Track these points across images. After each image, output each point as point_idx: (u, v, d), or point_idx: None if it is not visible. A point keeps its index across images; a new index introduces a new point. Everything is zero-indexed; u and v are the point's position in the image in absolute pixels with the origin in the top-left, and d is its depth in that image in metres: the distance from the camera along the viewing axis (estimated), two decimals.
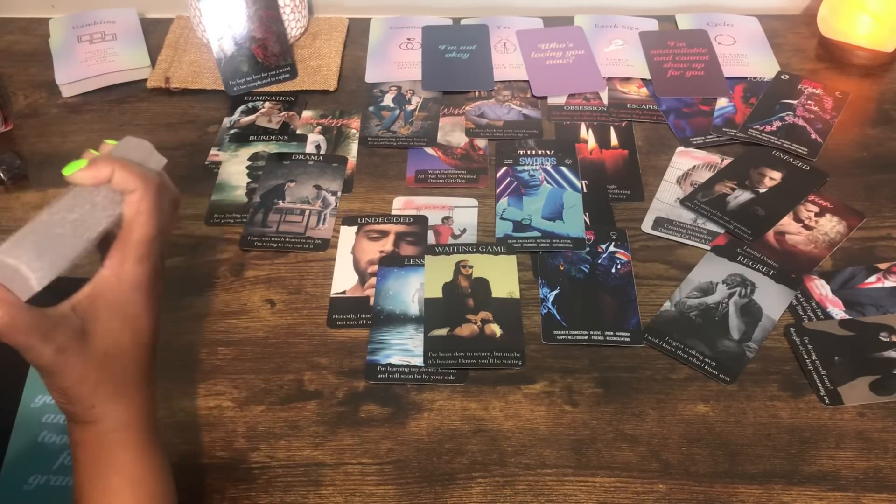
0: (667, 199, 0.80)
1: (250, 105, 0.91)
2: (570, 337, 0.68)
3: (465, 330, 0.69)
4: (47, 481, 0.59)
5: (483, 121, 0.89)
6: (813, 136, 0.86)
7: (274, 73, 0.93)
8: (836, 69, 0.95)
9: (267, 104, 0.91)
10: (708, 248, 0.75)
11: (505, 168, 0.83)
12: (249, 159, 0.85)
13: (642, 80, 0.93)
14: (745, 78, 0.93)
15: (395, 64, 0.96)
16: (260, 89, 0.93)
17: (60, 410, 0.48)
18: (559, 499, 0.59)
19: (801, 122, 0.87)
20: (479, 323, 0.69)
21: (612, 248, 0.75)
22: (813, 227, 0.76)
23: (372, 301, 0.71)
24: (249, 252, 0.76)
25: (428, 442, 0.62)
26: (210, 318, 0.71)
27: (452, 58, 0.96)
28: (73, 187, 0.49)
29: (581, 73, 0.94)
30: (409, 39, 1.00)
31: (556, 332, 0.68)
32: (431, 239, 0.76)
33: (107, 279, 0.48)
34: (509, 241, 0.75)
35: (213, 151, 0.86)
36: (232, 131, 0.88)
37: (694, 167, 0.83)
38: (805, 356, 0.66)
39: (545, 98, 0.91)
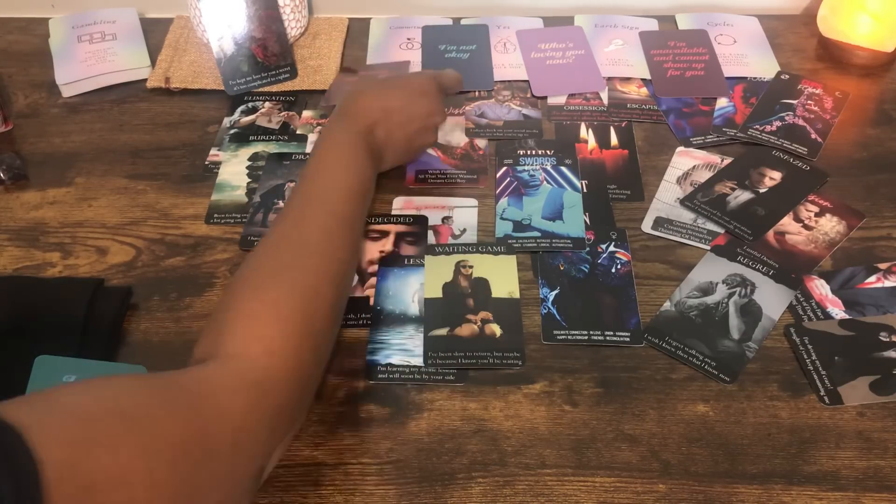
0: (667, 199, 0.80)
1: (250, 105, 0.91)
2: (570, 337, 0.68)
3: (465, 330, 0.69)
4: None
5: (483, 121, 0.89)
6: (813, 136, 0.86)
7: (274, 72, 0.93)
8: (836, 69, 0.95)
9: (267, 104, 0.91)
10: (708, 248, 0.75)
11: (505, 168, 0.83)
12: (249, 159, 0.85)
13: (642, 80, 0.93)
14: (745, 78, 0.93)
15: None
16: (260, 89, 0.93)
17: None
18: (559, 499, 0.59)
19: (801, 122, 0.87)
20: (479, 323, 0.69)
21: (612, 248, 0.75)
22: (813, 227, 0.76)
23: (372, 301, 0.71)
24: (249, 252, 0.76)
25: (428, 442, 0.62)
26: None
27: (452, 58, 0.96)
28: None
29: (581, 73, 0.94)
30: (409, 39, 1.00)
31: (556, 332, 0.68)
32: (431, 239, 0.76)
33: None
34: (509, 241, 0.75)
35: (213, 151, 0.86)
36: (232, 131, 0.88)
37: (694, 167, 0.83)
38: (805, 356, 0.66)
39: (545, 98, 0.91)
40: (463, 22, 1.03)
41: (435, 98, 0.76)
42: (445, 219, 0.78)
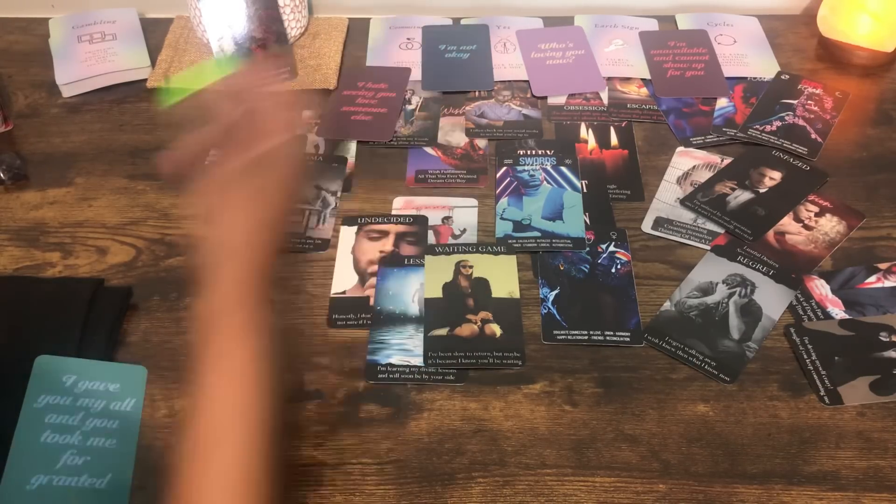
0: (667, 199, 0.80)
1: None
2: (570, 337, 0.68)
3: (465, 330, 0.69)
4: (50, 481, 0.59)
5: (483, 121, 0.89)
6: (813, 136, 0.86)
7: (274, 73, 0.93)
8: (836, 69, 0.95)
9: None
10: (708, 248, 0.75)
11: (505, 168, 0.83)
12: None
13: (642, 80, 0.93)
14: (745, 78, 0.93)
15: (395, 64, 0.96)
16: None
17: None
18: (559, 499, 0.59)
19: (801, 122, 0.87)
20: (479, 323, 0.69)
21: (612, 248, 0.75)
22: (813, 227, 0.76)
23: (372, 301, 0.71)
24: None
25: (428, 442, 0.62)
26: None
27: (452, 58, 0.96)
28: None
29: (581, 73, 0.94)
30: (409, 39, 1.00)
31: (556, 332, 0.68)
32: (431, 239, 0.76)
33: None
34: (509, 241, 0.75)
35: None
36: None
37: (694, 167, 0.83)
38: (805, 356, 0.66)
39: (545, 98, 0.91)
40: (463, 22, 1.02)
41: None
42: (445, 219, 0.78)
